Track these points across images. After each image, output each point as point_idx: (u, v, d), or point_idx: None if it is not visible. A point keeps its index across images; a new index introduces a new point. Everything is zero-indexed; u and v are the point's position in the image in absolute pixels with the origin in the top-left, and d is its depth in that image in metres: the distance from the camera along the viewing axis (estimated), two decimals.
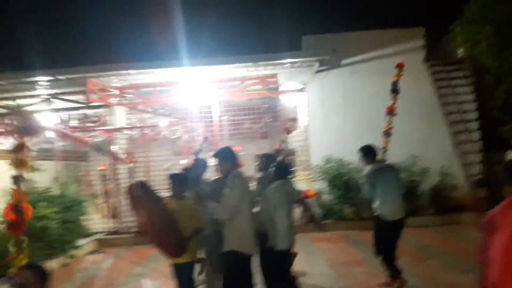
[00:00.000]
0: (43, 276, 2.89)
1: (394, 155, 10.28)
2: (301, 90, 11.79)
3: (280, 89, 11.86)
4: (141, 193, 3.70)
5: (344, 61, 11.63)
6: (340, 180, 10.32)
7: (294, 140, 12.04)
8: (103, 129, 12.07)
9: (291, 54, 10.89)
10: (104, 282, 6.91)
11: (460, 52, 10.62)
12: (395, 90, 7.56)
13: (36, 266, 3.02)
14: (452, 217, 9.93)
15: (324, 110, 11.46)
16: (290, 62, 10.97)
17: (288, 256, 4.71)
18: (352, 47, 11.64)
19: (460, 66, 11.26)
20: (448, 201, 10.31)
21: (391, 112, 7.50)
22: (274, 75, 11.41)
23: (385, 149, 6.55)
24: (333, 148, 10.76)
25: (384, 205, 5.39)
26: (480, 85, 10.76)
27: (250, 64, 10.74)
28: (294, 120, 11.97)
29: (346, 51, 11.53)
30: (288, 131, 9.76)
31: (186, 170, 5.62)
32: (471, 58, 9.49)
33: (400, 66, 7.46)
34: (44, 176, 8.89)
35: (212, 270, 5.11)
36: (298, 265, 5.84)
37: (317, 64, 11.04)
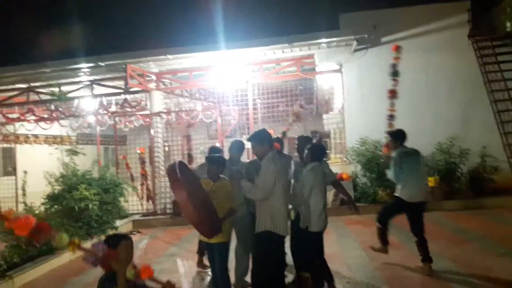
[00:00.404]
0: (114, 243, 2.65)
1: (433, 135, 9.98)
2: (338, 70, 11.49)
3: (316, 70, 11.60)
4: (179, 173, 3.71)
5: (384, 39, 11.15)
6: (375, 162, 9.97)
7: (329, 122, 11.80)
8: (141, 114, 12.35)
9: (328, 33, 10.57)
10: (140, 262, 7.05)
11: (508, 26, 9.96)
12: (394, 73, 7.38)
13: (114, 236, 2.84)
14: (492, 200, 9.47)
15: (362, 90, 11.09)
16: (327, 42, 10.65)
17: (321, 238, 4.65)
18: (392, 24, 11.11)
19: (508, 41, 10.55)
20: (488, 183, 9.83)
21: (393, 95, 7.39)
22: (310, 56, 11.13)
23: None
24: (370, 130, 10.36)
25: (405, 189, 5.43)
26: None
27: (286, 45, 10.52)
28: (327, 101, 11.73)
29: (385, 28, 11.03)
30: (297, 114, 9.63)
31: (213, 150, 5.62)
32: None
33: (397, 49, 7.32)
34: (84, 160, 9.19)
35: (242, 250, 5.11)
36: (330, 247, 5.78)
37: (355, 43, 10.68)
